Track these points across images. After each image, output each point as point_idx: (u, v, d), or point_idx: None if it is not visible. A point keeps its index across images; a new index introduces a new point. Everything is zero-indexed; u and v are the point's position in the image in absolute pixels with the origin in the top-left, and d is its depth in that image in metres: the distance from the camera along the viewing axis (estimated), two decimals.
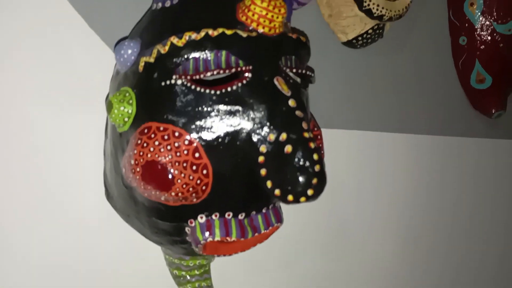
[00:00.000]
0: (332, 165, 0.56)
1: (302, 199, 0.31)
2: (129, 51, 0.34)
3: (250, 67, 0.33)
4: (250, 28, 0.34)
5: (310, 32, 0.54)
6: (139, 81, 0.33)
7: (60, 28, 0.39)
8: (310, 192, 0.31)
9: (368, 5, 0.50)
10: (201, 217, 0.34)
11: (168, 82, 0.32)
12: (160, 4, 0.36)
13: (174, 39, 0.32)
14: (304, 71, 0.37)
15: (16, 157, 0.39)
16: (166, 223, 0.35)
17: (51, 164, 0.40)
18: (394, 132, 0.62)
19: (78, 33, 0.39)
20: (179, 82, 0.32)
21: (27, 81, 0.39)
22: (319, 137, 0.41)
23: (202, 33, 0.32)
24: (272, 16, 0.34)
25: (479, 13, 0.62)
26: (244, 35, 0.33)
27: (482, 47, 0.63)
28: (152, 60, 0.33)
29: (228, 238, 0.34)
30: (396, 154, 0.62)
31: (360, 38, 0.54)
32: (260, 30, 0.34)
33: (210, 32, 0.32)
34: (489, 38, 0.63)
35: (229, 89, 0.32)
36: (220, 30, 0.32)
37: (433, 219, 0.67)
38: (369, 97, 0.59)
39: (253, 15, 0.34)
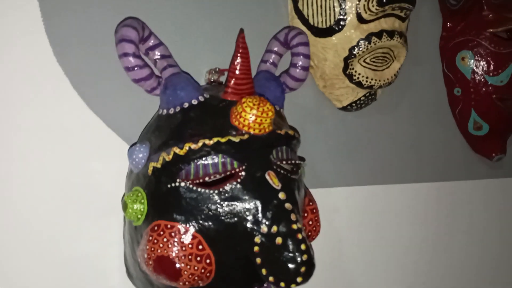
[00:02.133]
0: (336, 222, 0.61)
1: (293, 285, 0.36)
2: (140, 155, 0.39)
3: (243, 167, 0.38)
4: (243, 131, 0.39)
5: (308, 99, 0.59)
6: (149, 183, 0.39)
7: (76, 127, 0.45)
8: (299, 279, 0.36)
9: (358, 78, 0.54)
10: None
11: (173, 185, 0.37)
12: (165, 111, 0.41)
13: (176, 149, 0.38)
14: (294, 161, 0.41)
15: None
16: None
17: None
18: (397, 183, 0.65)
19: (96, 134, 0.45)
20: (182, 184, 0.37)
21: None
22: (314, 210, 0.46)
23: (200, 143, 0.37)
24: (261, 120, 0.39)
25: (471, 67, 0.66)
26: (237, 140, 0.38)
27: (477, 98, 0.66)
28: (159, 165, 0.38)
29: None
30: (401, 204, 0.65)
31: (354, 105, 0.58)
32: (251, 132, 0.39)
33: (207, 142, 0.37)
34: (482, 89, 0.66)
35: (226, 188, 0.37)
36: (215, 139, 0.38)
37: (442, 265, 0.70)
38: (368, 153, 0.63)
39: (244, 120, 0.39)
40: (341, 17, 0.52)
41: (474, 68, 0.65)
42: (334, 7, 0.52)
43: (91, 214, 0.45)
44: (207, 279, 0.37)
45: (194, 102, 0.40)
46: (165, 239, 0.37)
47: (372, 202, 0.63)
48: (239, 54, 0.41)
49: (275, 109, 0.44)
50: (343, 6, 0.51)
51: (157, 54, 0.43)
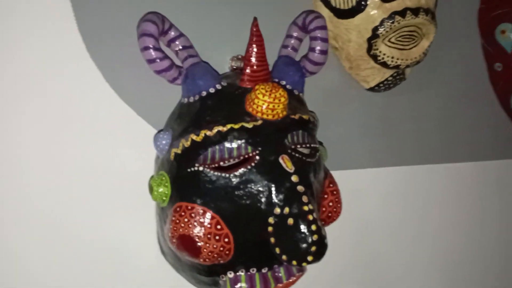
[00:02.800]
0: (365, 204, 0.61)
1: (304, 263, 0.38)
2: (164, 142, 0.42)
3: (257, 151, 0.40)
4: (256, 117, 0.41)
5: (335, 81, 0.59)
6: (171, 168, 0.42)
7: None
8: (310, 258, 0.37)
9: (383, 58, 0.54)
10: (230, 273, 0.41)
11: (192, 169, 0.40)
12: (186, 99, 0.44)
13: (194, 136, 0.40)
14: (309, 144, 0.43)
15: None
16: (203, 277, 0.43)
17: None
18: (429, 163, 0.64)
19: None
20: (200, 169, 0.40)
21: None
22: (335, 192, 0.47)
23: (215, 130, 0.39)
24: (273, 106, 0.40)
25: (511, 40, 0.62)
26: (250, 125, 0.40)
27: None
28: (179, 151, 0.41)
29: None
30: (434, 185, 0.64)
31: (381, 85, 0.58)
32: (265, 117, 0.41)
33: (221, 128, 0.40)
34: None
35: (240, 171, 0.39)
36: (229, 126, 0.40)
37: (476, 249, 0.68)
38: (400, 133, 0.62)
39: (257, 107, 0.40)
40: None
41: None
42: None
43: (127, 195, 0.49)
44: (227, 256, 0.40)
45: (212, 90, 0.42)
46: (186, 219, 0.39)
47: (403, 183, 0.62)
48: (253, 42, 0.42)
49: (292, 94, 0.46)
50: None
51: (178, 45, 0.45)
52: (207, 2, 0.51)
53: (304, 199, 0.39)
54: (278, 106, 0.40)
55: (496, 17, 0.63)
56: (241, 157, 0.40)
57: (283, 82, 0.47)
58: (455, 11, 0.65)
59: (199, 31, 0.50)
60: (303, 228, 0.38)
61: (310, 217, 0.38)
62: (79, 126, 0.46)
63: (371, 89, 0.58)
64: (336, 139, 0.59)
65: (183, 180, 0.41)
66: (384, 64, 0.54)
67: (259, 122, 0.40)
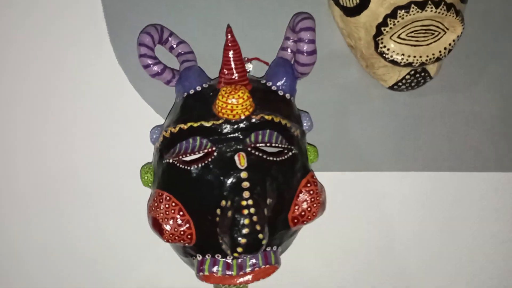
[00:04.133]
0: (385, 208, 0.58)
1: (235, 254, 0.41)
2: (154, 136, 0.49)
3: (215, 148, 0.44)
4: (219, 117, 0.45)
5: (354, 79, 0.57)
6: (154, 158, 0.49)
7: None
8: (239, 249, 0.40)
9: (392, 56, 0.50)
10: (199, 256, 0.47)
11: (165, 161, 0.46)
12: (176, 99, 0.50)
13: (164, 132, 0.46)
14: (276, 144, 0.44)
15: None
16: (182, 256, 0.49)
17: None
18: (463, 171, 0.57)
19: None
20: (171, 161, 0.46)
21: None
22: (311, 192, 0.47)
23: (177, 128, 0.45)
24: (232, 107, 0.44)
25: None
26: (209, 124, 0.44)
27: None
28: (158, 145, 0.47)
29: (215, 274, 0.45)
30: (462, 194, 0.57)
31: (400, 84, 0.54)
32: (226, 117, 0.44)
33: (182, 126, 0.45)
34: None
35: (199, 165, 0.44)
36: (189, 124, 0.45)
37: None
38: (428, 136, 0.57)
39: (218, 107, 0.44)
40: None
41: None
42: None
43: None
44: (190, 240, 0.45)
45: (192, 91, 0.48)
46: (156, 204, 0.46)
47: (427, 189, 0.57)
48: (228, 48, 0.46)
49: (273, 94, 0.48)
50: None
51: (177, 51, 0.52)
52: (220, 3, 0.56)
53: (246, 194, 0.42)
54: (237, 107, 0.44)
55: None
56: (201, 152, 0.44)
57: (270, 83, 0.49)
58: None
59: (211, 33, 0.55)
60: (237, 221, 0.41)
61: (245, 212, 0.41)
62: (108, 124, 0.56)
63: (391, 88, 0.55)
64: (358, 139, 0.58)
65: (159, 170, 0.47)
66: (394, 62, 0.51)
67: (220, 121, 0.44)
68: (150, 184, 0.49)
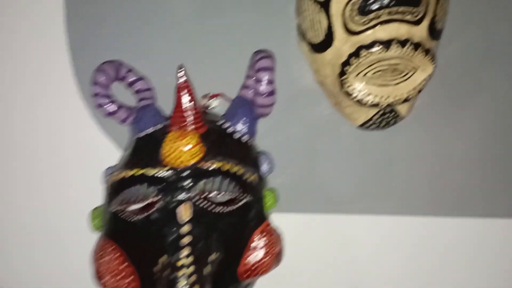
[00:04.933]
0: (353, 252, 0.55)
1: None
2: (106, 178, 0.47)
3: (159, 198, 0.42)
4: (165, 164, 0.42)
5: (326, 117, 0.54)
6: (103, 203, 0.46)
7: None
8: None
9: (357, 96, 0.47)
10: None
11: (109, 209, 0.44)
12: (129, 141, 0.48)
13: (110, 178, 0.44)
14: (227, 192, 0.42)
15: None
16: None
17: None
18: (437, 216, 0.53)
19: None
20: (114, 210, 0.43)
21: None
22: (266, 242, 0.45)
23: (122, 174, 0.43)
24: (178, 154, 0.41)
25: None
26: (154, 172, 0.42)
27: None
28: (106, 189, 0.46)
29: None
30: (445, 241, 0.53)
31: (369, 124, 0.51)
32: (171, 165, 0.42)
33: (127, 172, 0.43)
34: None
35: (143, 216, 0.42)
36: (134, 171, 0.42)
37: None
38: (402, 178, 0.53)
39: (164, 154, 0.42)
40: (330, 30, 0.46)
41: None
42: (321, 19, 0.47)
43: None
44: None
45: (143, 134, 0.46)
46: (100, 254, 0.44)
47: (400, 234, 0.53)
48: (179, 89, 0.44)
49: (228, 137, 0.46)
50: (330, 18, 0.46)
51: (135, 88, 0.50)
52: (196, 39, 0.54)
53: (185, 251, 0.39)
54: (184, 154, 0.41)
55: None
56: (145, 202, 0.42)
57: (227, 125, 0.47)
58: (491, 25, 0.52)
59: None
60: (173, 281, 0.39)
61: (181, 272, 0.39)
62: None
63: (361, 127, 0.52)
64: (327, 180, 0.55)
65: (106, 217, 0.45)
66: (360, 102, 0.48)
67: (165, 169, 0.42)
68: (100, 230, 0.47)
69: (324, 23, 0.47)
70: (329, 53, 0.48)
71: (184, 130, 0.43)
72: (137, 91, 0.50)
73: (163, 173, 0.42)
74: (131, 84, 0.50)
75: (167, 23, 0.54)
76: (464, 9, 0.52)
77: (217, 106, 0.53)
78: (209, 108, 0.53)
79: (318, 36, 0.48)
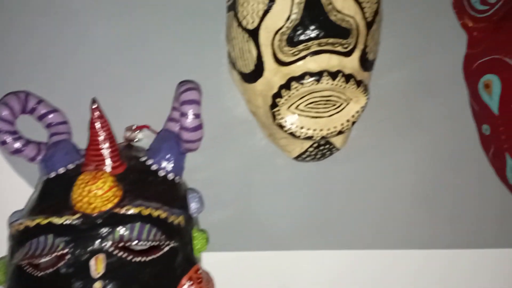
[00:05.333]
0: None
1: None
2: (9, 224, 0.42)
3: (69, 250, 0.37)
4: (75, 210, 0.38)
5: (262, 148, 0.52)
6: (6, 255, 0.41)
7: None
8: None
9: (290, 128, 0.45)
10: None
11: (13, 262, 0.39)
12: (38, 182, 0.43)
13: (12, 227, 0.39)
14: (147, 241, 0.38)
15: None
16: None
17: None
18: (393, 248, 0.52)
19: None
20: (18, 263, 0.38)
21: None
22: None
23: (25, 224, 0.38)
24: (89, 199, 0.37)
25: (498, 97, 0.47)
26: (61, 220, 0.37)
27: (510, 140, 0.47)
28: (9, 241, 0.40)
29: None
30: (386, 272, 0.52)
31: (304, 156, 0.49)
32: (83, 211, 0.37)
33: (31, 222, 0.38)
34: None
35: (51, 271, 0.37)
36: (38, 220, 0.37)
37: None
38: (341, 213, 0.51)
39: (74, 199, 0.38)
40: (260, 60, 0.44)
41: (502, 98, 0.47)
42: (250, 49, 0.44)
43: None
44: None
45: (53, 175, 0.41)
46: None
47: (341, 270, 0.51)
48: (93, 125, 0.40)
49: (152, 175, 0.42)
50: (259, 48, 0.43)
51: (46, 122, 0.45)
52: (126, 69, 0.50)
53: None
54: (96, 199, 0.37)
55: (481, 66, 0.49)
56: (53, 255, 0.37)
57: (150, 161, 0.43)
58: (437, 56, 0.52)
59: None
60: None
61: None
62: None
63: (297, 158, 0.50)
64: (264, 214, 0.52)
65: (8, 272, 0.39)
66: (293, 135, 0.45)
67: (76, 216, 0.37)
68: (4, 285, 0.42)
69: (254, 53, 0.44)
70: (260, 83, 0.45)
71: (98, 171, 0.38)
72: (49, 125, 0.45)
73: (72, 221, 0.37)
74: (41, 117, 0.45)
75: (87, 50, 0.49)
76: (399, 40, 0.51)
77: (143, 139, 0.50)
78: (134, 141, 0.49)
79: (248, 66, 0.45)
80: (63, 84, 0.48)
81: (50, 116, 0.45)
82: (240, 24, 0.44)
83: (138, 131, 0.49)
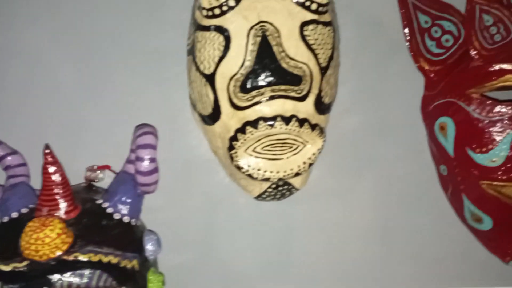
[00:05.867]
0: None
1: None
2: None
3: None
4: (24, 257, 0.38)
5: (224, 187, 0.52)
6: None
7: None
8: None
9: (247, 170, 0.46)
10: None
11: None
12: None
13: None
14: (94, 286, 0.38)
15: None
16: None
17: None
18: None
19: None
20: None
21: None
22: None
23: None
24: (37, 247, 0.37)
25: (452, 139, 0.48)
26: (9, 268, 0.37)
27: (465, 181, 0.48)
28: None
29: None
30: None
31: (264, 195, 0.49)
32: (31, 258, 0.37)
33: None
34: (470, 170, 0.47)
35: None
36: None
37: None
38: (309, 249, 0.51)
39: (22, 246, 0.38)
40: (217, 104, 0.45)
41: (457, 141, 0.47)
42: (208, 92, 0.45)
43: None
44: None
45: (6, 219, 0.41)
46: None
47: None
48: (45, 170, 0.40)
49: (107, 219, 0.42)
50: (216, 92, 0.44)
51: (4, 164, 0.45)
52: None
53: None
54: (43, 247, 0.37)
55: (437, 108, 0.50)
56: None
57: (106, 204, 0.43)
58: (397, 98, 0.53)
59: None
60: None
61: None
62: None
63: (257, 198, 0.50)
64: (226, 255, 0.52)
65: None
66: (251, 177, 0.46)
67: (24, 263, 0.37)
68: None
69: (211, 97, 0.45)
70: (217, 126, 0.46)
71: (47, 218, 0.38)
72: (7, 167, 0.45)
73: (21, 268, 0.37)
74: (0, 159, 0.45)
75: (49, 91, 0.50)
76: (358, 82, 0.52)
77: (104, 178, 0.50)
78: (95, 181, 0.49)
79: (207, 109, 0.46)
80: (22, 125, 0.48)
81: (8, 158, 0.45)
82: (198, 69, 0.45)
83: (99, 171, 0.49)
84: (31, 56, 0.50)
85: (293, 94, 0.43)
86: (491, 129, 0.45)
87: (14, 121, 0.49)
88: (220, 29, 0.43)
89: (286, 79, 0.42)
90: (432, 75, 0.50)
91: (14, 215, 0.41)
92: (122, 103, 0.51)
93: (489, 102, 0.45)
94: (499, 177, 0.45)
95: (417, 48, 0.51)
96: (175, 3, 0.51)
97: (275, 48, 0.42)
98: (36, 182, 0.46)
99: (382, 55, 0.52)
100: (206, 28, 0.44)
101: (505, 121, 0.44)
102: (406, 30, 0.50)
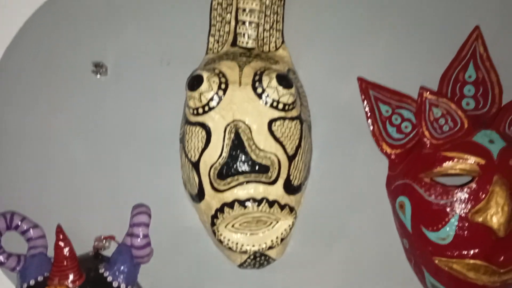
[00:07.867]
0: None
1: None
2: None
3: None
4: None
5: (211, 255, 0.59)
6: None
7: None
8: None
9: (227, 244, 0.53)
10: None
11: None
12: None
13: None
14: None
15: None
16: None
17: None
18: None
19: None
20: None
21: None
22: None
23: None
24: None
25: (409, 217, 0.53)
26: None
27: (423, 256, 0.53)
28: None
29: None
30: None
31: (245, 265, 0.56)
32: None
33: None
34: (425, 246, 0.52)
35: None
36: None
37: None
38: None
39: None
40: (201, 186, 0.53)
41: (413, 218, 0.53)
42: (194, 176, 0.53)
43: None
44: None
45: (24, 286, 0.49)
46: None
47: None
48: (57, 246, 0.49)
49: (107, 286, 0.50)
50: (200, 176, 0.52)
51: (27, 236, 0.54)
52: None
53: None
54: None
55: (397, 188, 0.56)
56: None
57: (107, 273, 0.51)
58: (366, 176, 0.59)
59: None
60: None
61: None
62: None
63: (240, 267, 0.57)
64: None
65: None
66: (231, 250, 0.53)
67: None
68: None
69: (196, 180, 0.53)
70: (203, 204, 0.54)
71: (57, 285, 0.46)
72: (29, 239, 0.54)
73: None
74: (23, 232, 0.54)
75: (65, 173, 0.59)
76: (328, 164, 0.59)
77: (109, 247, 0.58)
78: (102, 249, 0.57)
79: (194, 189, 0.54)
80: (40, 197, 0.58)
81: (31, 231, 0.54)
82: (186, 156, 0.54)
83: (105, 241, 0.57)
84: (51, 140, 0.59)
85: (263, 179, 0.51)
86: (440, 210, 0.51)
87: (32, 194, 0.58)
88: (203, 125, 0.52)
89: (255, 168, 0.50)
90: (393, 157, 0.57)
91: (32, 282, 0.50)
92: (126, 181, 0.59)
93: (438, 187, 0.51)
94: (449, 254, 0.50)
95: (379, 133, 0.57)
96: (173, 97, 0.60)
97: (246, 143, 0.50)
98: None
99: (352, 138, 0.59)
100: (193, 124, 0.53)
101: (452, 204, 0.50)
102: (369, 121, 0.57)
